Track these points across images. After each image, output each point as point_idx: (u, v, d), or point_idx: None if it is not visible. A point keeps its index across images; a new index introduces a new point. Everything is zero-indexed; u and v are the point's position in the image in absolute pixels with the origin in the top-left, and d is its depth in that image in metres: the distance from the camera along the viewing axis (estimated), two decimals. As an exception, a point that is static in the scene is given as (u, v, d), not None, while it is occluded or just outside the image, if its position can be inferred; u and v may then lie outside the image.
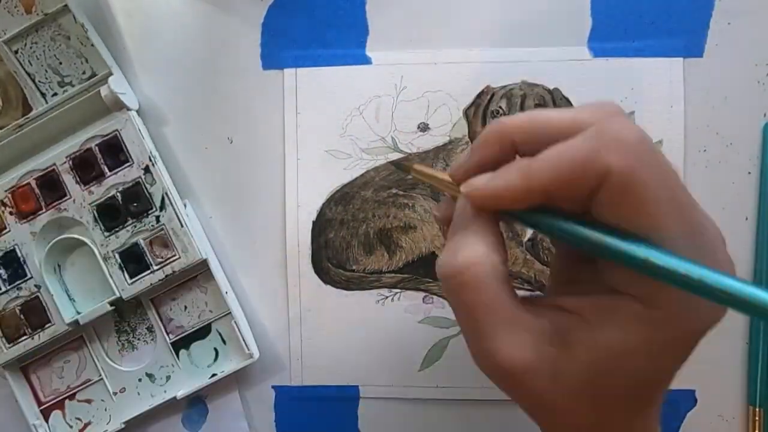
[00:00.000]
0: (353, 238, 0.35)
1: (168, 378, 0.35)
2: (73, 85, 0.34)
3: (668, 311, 0.18)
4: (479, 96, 0.34)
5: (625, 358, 0.18)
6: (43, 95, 0.34)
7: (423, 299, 0.34)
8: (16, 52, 0.33)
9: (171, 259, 0.34)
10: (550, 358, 0.19)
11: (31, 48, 0.33)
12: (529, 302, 0.20)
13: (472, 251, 0.19)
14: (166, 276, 0.34)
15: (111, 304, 0.34)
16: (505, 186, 0.19)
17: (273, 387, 0.36)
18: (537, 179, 0.19)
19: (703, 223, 0.19)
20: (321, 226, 0.35)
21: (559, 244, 0.24)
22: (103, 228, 0.34)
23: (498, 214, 0.21)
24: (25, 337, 0.34)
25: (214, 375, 0.34)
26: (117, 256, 0.34)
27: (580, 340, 0.19)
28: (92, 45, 0.33)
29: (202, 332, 0.35)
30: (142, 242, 0.34)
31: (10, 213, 0.34)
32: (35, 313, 0.34)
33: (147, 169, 0.34)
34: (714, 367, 0.33)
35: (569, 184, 0.18)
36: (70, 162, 0.34)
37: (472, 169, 0.21)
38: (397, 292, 0.34)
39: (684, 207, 0.18)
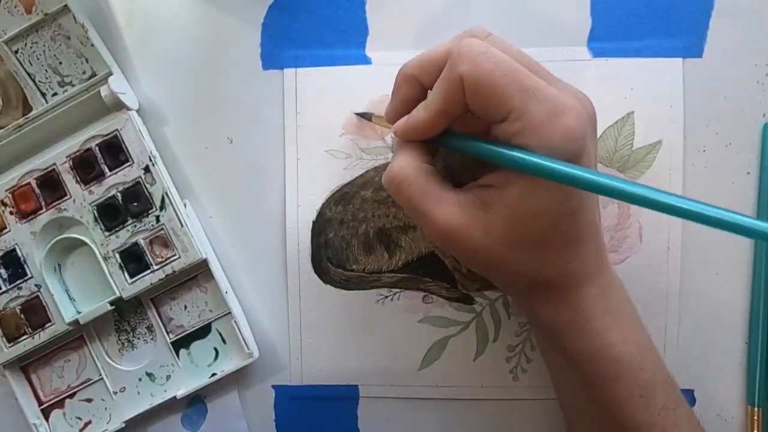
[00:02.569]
0: (353, 238, 0.35)
1: (168, 377, 0.35)
2: (73, 85, 0.34)
3: None
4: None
5: (527, 203, 0.24)
6: (43, 95, 0.34)
7: (423, 299, 0.34)
8: (16, 52, 0.33)
9: (171, 259, 0.34)
10: (478, 219, 0.25)
11: (31, 48, 0.33)
12: (456, 188, 0.27)
13: (399, 161, 0.26)
14: (166, 276, 0.34)
15: (111, 303, 0.34)
16: (416, 120, 0.26)
17: (273, 387, 0.36)
18: (431, 109, 0.25)
19: (542, 88, 0.23)
20: (321, 226, 0.35)
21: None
22: (103, 228, 0.34)
23: (423, 143, 0.27)
24: (25, 337, 0.34)
25: (213, 374, 0.34)
26: (117, 255, 0.34)
27: (495, 202, 0.25)
28: (92, 45, 0.33)
29: (202, 332, 0.35)
30: (142, 242, 0.34)
31: (11, 213, 0.34)
32: (35, 313, 0.34)
33: (147, 169, 0.34)
34: (713, 367, 0.33)
35: (450, 101, 0.24)
36: (70, 162, 0.34)
37: (397, 110, 0.28)
38: (396, 292, 0.34)
39: (522, 82, 0.23)
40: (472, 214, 0.25)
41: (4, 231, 0.34)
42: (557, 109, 0.23)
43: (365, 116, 0.33)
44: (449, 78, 0.24)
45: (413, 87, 0.27)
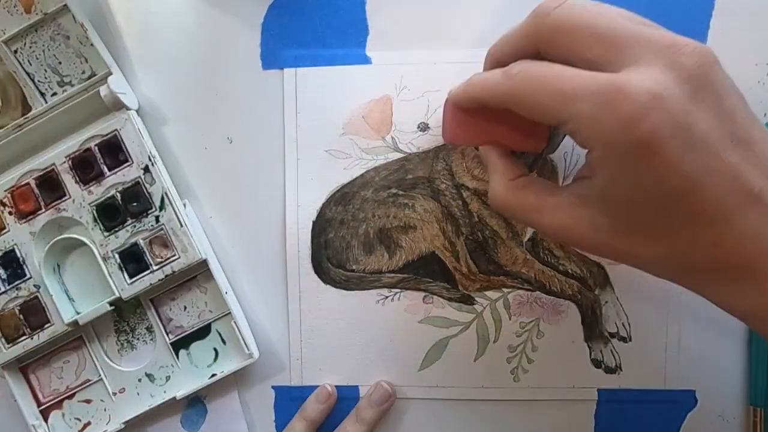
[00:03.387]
0: (353, 238, 0.35)
1: (167, 378, 0.35)
2: (72, 85, 0.34)
3: (594, 152, 0.23)
4: (479, 96, 0.34)
5: (615, 189, 0.23)
6: (43, 95, 0.34)
7: (423, 299, 0.34)
8: (16, 51, 0.33)
9: (171, 259, 0.34)
10: (581, 217, 0.24)
11: (30, 48, 0.33)
12: (555, 188, 0.26)
13: (492, 183, 0.27)
14: (166, 276, 0.34)
15: (110, 304, 0.34)
16: (476, 76, 0.27)
17: (273, 387, 0.36)
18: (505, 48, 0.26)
19: (642, 36, 0.22)
20: (321, 226, 0.35)
21: None
22: (102, 228, 0.34)
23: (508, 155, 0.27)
24: (24, 338, 0.34)
25: (213, 375, 0.34)
26: (116, 256, 0.34)
27: (590, 194, 0.24)
28: (92, 45, 0.33)
29: (202, 332, 0.35)
30: (141, 242, 0.34)
31: (10, 213, 0.34)
32: (34, 313, 0.34)
33: (147, 169, 0.34)
34: (714, 367, 0.33)
35: (531, 35, 0.25)
36: (70, 162, 0.34)
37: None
38: (397, 292, 0.34)
39: (618, 29, 0.22)
40: (575, 213, 0.24)
41: (4, 231, 0.34)
42: (609, 95, 0.21)
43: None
44: (533, 20, 0.25)
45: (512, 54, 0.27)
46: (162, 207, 0.34)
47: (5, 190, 0.34)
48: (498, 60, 0.27)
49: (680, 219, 0.23)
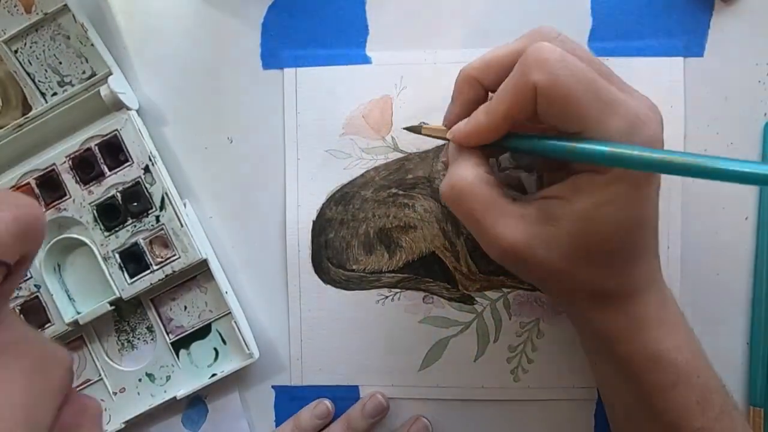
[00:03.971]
0: (353, 238, 0.35)
1: (168, 378, 0.35)
2: (72, 85, 0.34)
3: (613, 172, 0.23)
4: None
5: (600, 215, 0.23)
6: (43, 95, 0.34)
7: (423, 299, 0.34)
8: (16, 51, 0.33)
9: (171, 259, 0.34)
10: (541, 234, 0.24)
11: (30, 48, 0.33)
12: (519, 199, 0.26)
13: (461, 170, 0.25)
14: (166, 276, 0.34)
15: (111, 303, 0.34)
16: (476, 124, 0.25)
17: (273, 387, 0.36)
18: (495, 112, 0.24)
19: (622, 100, 0.23)
20: (321, 226, 0.35)
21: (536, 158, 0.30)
22: (102, 228, 0.34)
23: (481, 148, 0.26)
24: (24, 337, 0.34)
25: (214, 375, 0.34)
26: (117, 255, 0.34)
27: (562, 215, 0.24)
28: (92, 45, 0.33)
29: (202, 332, 0.35)
30: (142, 242, 0.34)
31: (10, 213, 0.34)
32: (35, 313, 0.34)
33: (147, 169, 0.34)
34: (714, 367, 0.33)
35: (518, 107, 0.23)
36: (70, 162, 0.34)
37: (458, 114, 0.27)
38: (397, 292, 0.34)
39: (600, 94, 0.22)
40: (537, 228, 0.24)
41: (4, 231, 0.34)
42: (638, 121, 0.23)
43: (414, 129, 0.31)
44: (520, 84, 0.23)
45: (475, 89, 0.26)
46: (162, 207, 0.34)
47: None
48: (476, 78, 0.26)
49: (626, 249, 0.25)
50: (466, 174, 0.25)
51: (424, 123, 0.34)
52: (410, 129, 0.31)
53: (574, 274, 0.25)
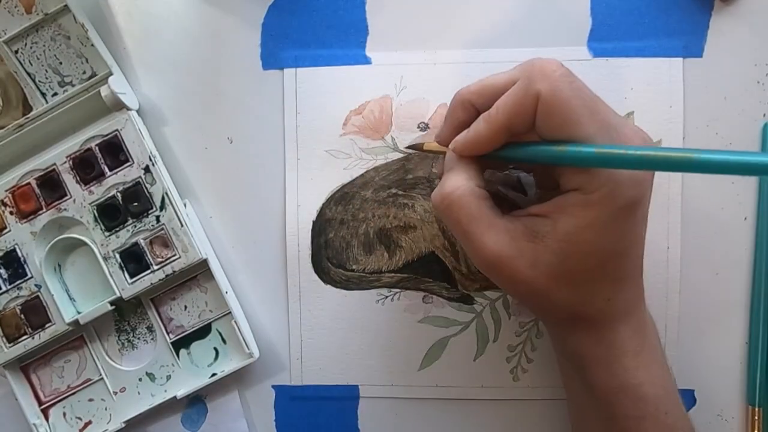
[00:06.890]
0: (353, 238, 0.35)
1: (168, 377, 0.35)
2: (73, 85, 0.34)
3: (600, 193, 0.23)
4: (479, 96, 0.34)
5: (580, 238, 0.24)
6: (44, 95, 0.34)
7: (423, 299, 0.34)
8: (17, 52, 0.33)
9: (171, 259, 0.34)
10: (526, 250, 0.24)
11: (31, 48, 0.33)
12: (507, 214, 0.26)
13: (454, 181, 0.25)
14: (167, 276, 0.34)
15: (111, 303, 0.34)
16: (476, 134, 0.25)
17: (273, 387, 0.36)
18: (496, 121, 0.24)
19: (617, 124, 0.24)
20: (321, 225, 0.35)
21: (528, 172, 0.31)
22: (103, 228, 0.34)
23: (478, 158, 0.26)
24: (25, 337, 0.34)
25: (214, 375, 0.34)
26: (117, 255, 0.34)
27: (547, 233, 0.24)
28: (92, 45, 0.33)
29: (202, 332, 0.35)
30: (142, 242, 0.34)
31: (11, 213, 0.34)
32: (35, 313, 0.34)
33: (147, 169, 0.34)
34: (713, 367, 0.33)
35: (519, 117, 0.24)
36: (71, 162, 0.34)
37: (449, 132, 0.27)
38: (396, 292, 0.34)
39: (598, 113, 0.23)
40: (521, 243, 0.24)
41: (5, 231, 0.34)
42: (634, 143, 0.23)
43: (416, 147, 0.31)
44: (522, 93, 0.23)
45: (469, 113, 0.26)
46: (162, 207, 0.34)
47: (6, 190, 0.34)
48: (471, 102, 0.26)
49: (607, 275, 0.25)
50: (459, 185, 0.25)
51: (423, 123, 0.34)
52: (412, 147, 0.32)
53: (556, 294, 0.25)
